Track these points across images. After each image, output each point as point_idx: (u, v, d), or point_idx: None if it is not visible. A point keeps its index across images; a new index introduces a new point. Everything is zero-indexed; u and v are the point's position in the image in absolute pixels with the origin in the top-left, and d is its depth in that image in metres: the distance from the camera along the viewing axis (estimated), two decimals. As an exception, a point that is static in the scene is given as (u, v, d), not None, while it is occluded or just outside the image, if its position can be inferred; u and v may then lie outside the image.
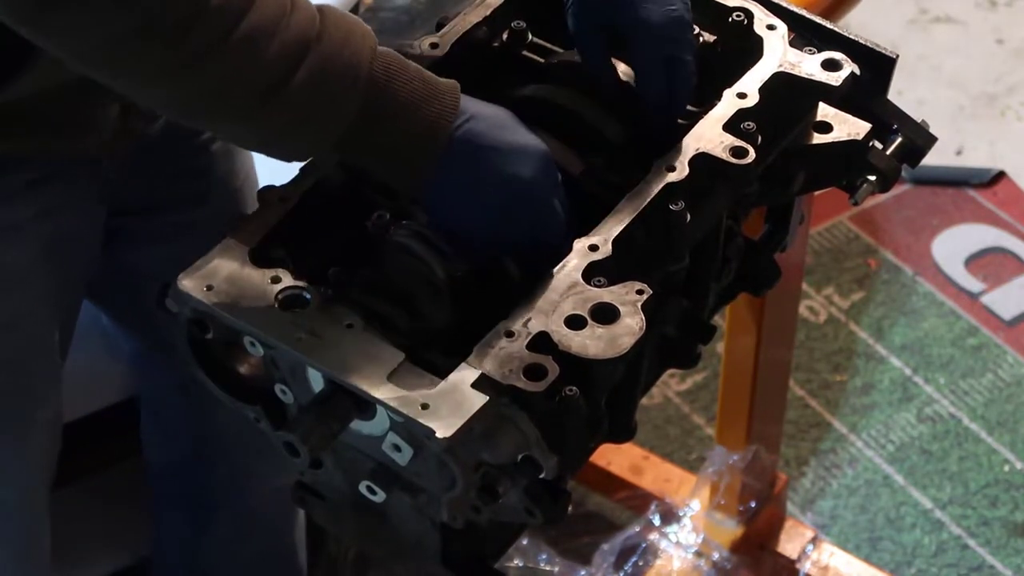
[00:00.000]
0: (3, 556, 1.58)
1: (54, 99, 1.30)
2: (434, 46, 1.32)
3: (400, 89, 1.14)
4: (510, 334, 1.13)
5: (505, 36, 1.36)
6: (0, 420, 1.48)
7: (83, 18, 1.05)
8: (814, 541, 2.29)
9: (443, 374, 1.12)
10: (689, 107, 1.32)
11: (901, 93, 2.95)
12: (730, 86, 1.30)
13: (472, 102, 1.18)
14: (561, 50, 1.35)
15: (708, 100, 1.31)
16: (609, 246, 1.19)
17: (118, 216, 1.51)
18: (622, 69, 1.32)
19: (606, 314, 1.14)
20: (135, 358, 1.75)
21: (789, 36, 1.34)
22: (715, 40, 1.35)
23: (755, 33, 1.34)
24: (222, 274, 1.17)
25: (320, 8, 1.13)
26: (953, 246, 2.84)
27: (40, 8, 1.05)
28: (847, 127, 1.32)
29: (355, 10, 2.01)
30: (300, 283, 1.16)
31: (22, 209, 1.37)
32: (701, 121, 1.27)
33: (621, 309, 1.14)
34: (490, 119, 1.18)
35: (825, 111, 1.33)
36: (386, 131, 1.15)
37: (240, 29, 1.07)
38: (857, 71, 1.32)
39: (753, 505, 2.25)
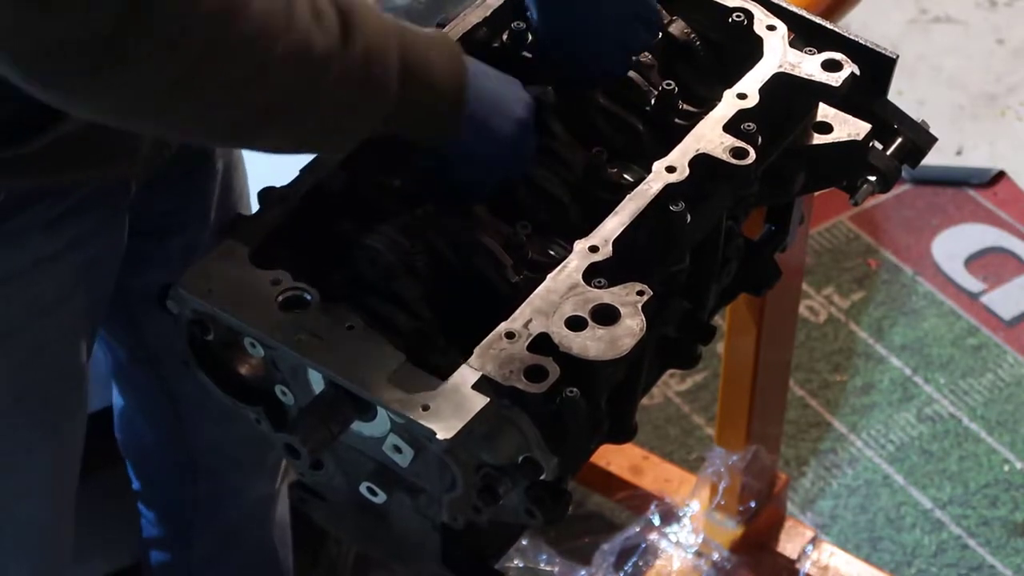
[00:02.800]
0: (25, 568, 1.59)
1: (95, 133, 1.31)
2: (434, 47, 1.32)
3: (420, 46, 1.18)
4: (511, 335, 1.13)
5: (505, 37, 1.36)
6: (30, 441, 1.50)
7: (138, 71, 1.04)
8: (814, 541, 2.29)
9: (444, 375, 1.12)
10: (689, 107, 1.32)
11: (901, 93, 2.95)
12: (730, 87, 1.30)
13: None
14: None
15: (708, 101, 1.31)
16: (609, 247, 1.19)
17: (132, 238, 1.51)
18: None
19: (607, 315, 1.14)
20: (118, 371, 1.75)
21: (789, 36, 1.34)
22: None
23: (755, 33, 1.34)
24: (223, 275, 1.17)
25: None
26: (953, 246, 2.84)
27: (93, 70, 1.03)
28: (847, 127, 1.32)
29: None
30: (300, 284, 1.16)
31: (58, 238, 1.38)
32: (701, 122, 1.27)
33: (622, 310, 1.14)
34: (477, 62, 1.24)
35: (825, 111, 1.33)
36: (424, 86, 1.18)
37: (281, 50, 1.08)
38: (857, 71, 1.32)
39: (753, 505, 2.25)
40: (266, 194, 1.24)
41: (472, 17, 1.34)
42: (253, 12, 1.06)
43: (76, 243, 1.40)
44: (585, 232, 1.20)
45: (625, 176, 1.28)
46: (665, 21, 1.37)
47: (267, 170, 1.31)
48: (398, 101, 1.16)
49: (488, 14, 1.35)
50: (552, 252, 1.23)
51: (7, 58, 1.03)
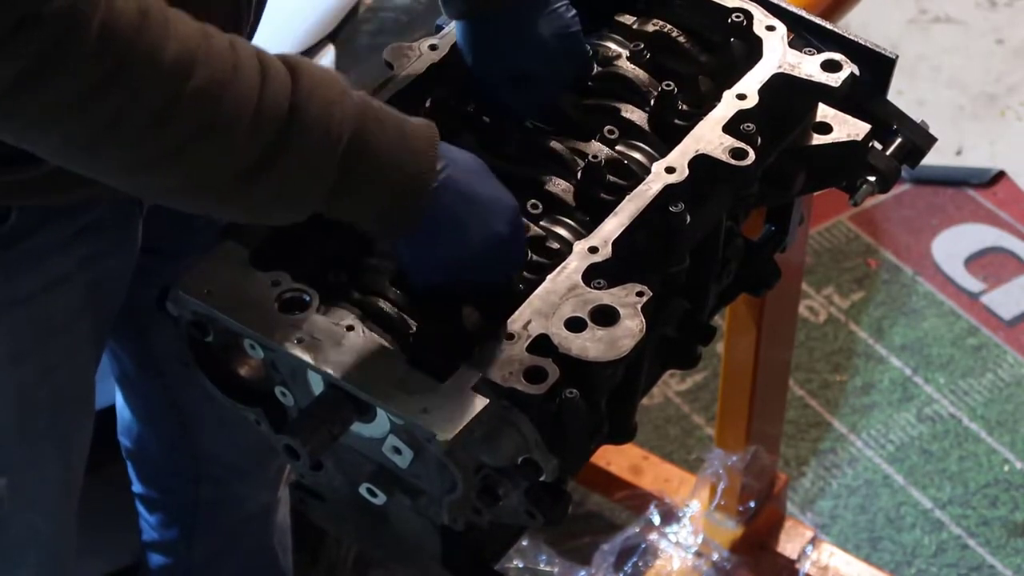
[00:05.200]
0: (31, 574, 1.59)
1: None
2: (433, 48, 1.32)
3: (379, 147, 1.11)
4: (510, 336, 1.13)
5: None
6: (38, 455, 1.50)
7: (52, 107, 1.02)
8: (814, 541, 2.29)
9: (444, 377, 1.12)
10: (687, 107, 1.32)
11: (901, 93, 2.95)
12: (730, 87, 1.30)
13: (446, 148, 1.16)
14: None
15: (707, 101, 1.31)
16: (609, 248, 1.19)
17: (143, 255, 1.51)
18: None
19: (606, 316, 1.14)
20: (123, 378, 1.75)
21: (789, 37, 1.34)
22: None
23: (755, 34, 1.34)
24: (222, 277, 1.17)
25: (293, 67, 1.09)
26: (953, 246, 2.83)
27: (11, 92, 1.00)
28: (847, 128, 1.32)
29: (355, 11, 2.01)
30: (300, 285, 1.16)
31: (71, 257, 1.38)
32: (701, 122, 1.27)
33: (621, 311, 1.14)
34: (465, 166, 1.17)
35: (825, 112, 1.33)
36: (368, 191, 1.12)
37: (216, 113, 1.05)
38: (857, 72, 1.32)
39: (753, 505, 2.25)
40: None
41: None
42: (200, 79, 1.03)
43: (88, 262, 1.40)
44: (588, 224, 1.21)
45: (633, 155, 1.28)
46: (630, 22, 1.37)
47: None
48: (337, 188, 1.11)
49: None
50: (555, 246, 1.23)
51: None
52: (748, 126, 1.26)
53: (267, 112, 1.07)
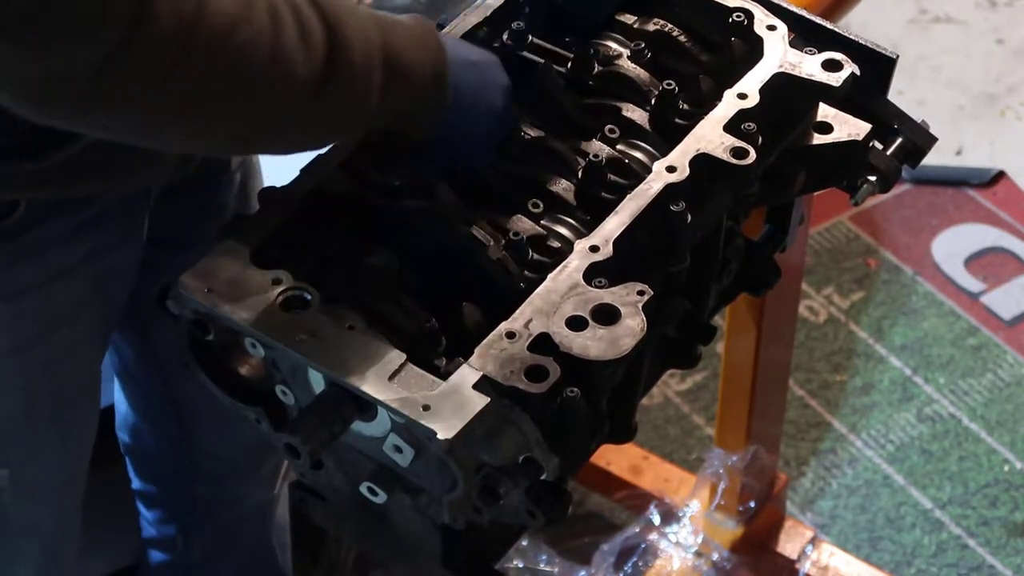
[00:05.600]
0: (31, 570, 1.59)
1: (118, 145, 1.31)
2: (435, 47, 1.32)
3: (401, 44, 1.19)
4: (511, 335, 1.13)
5: (505, 37, 1.36)
6: (41, 449, 1.51)
7: (143, 83, 1.04)
8: (814, 541, 2.29)
9: (444, 375, 1.12)
10: (688, 107, 1.32)
11: (901, 93, 2.95)
12: (731, 86, 1.30)
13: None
14: (561, 50, 1.36)
15: (708, 100, 1.32)
16: (610, 247, 1.19)
17: (149, 247, 1.52)
18: None
19: (607, 315, 1.14)
20: (123, 372, 1.76)
21: (789, 36, 1.34)
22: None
23: (755, 33, 1.34)
24: (223, 275, 1.17)
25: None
26: (953, 246, 2.84)
27: (97, 78, 1.02)
28: (847, 128, 1.32)
29: (355, 11, 2.01)
30: (301, 284, 1.16)
31: (75, 250, 1.39)
32: (702, 122, 1.27)
33: (622, 310, 1.14)
34: (451, 40, 1.28)
35: (825, 111, 1.33)
36: (406, 88, 1.19)
37: (272, 55, 1.09)
38: (857, 71, 1.32)
39: (753, 505, 2.25)
40: (267, 194, 1.24)
41: (472, 17, 1.34)
42: (238, 40, 1.06)
43: (93, 255, 1.40)
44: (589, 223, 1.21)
45: (634, 154, 1.28)
46: (632, 22, 1.37)
47: (273, 170, 1.31)
48: (378, 109, 1.18)
49: (488, 14, 1.35)
50: (556, 245, 1.23)
51: (5, 88, 1.04)
52: (749, 125, 1.26)
53: (317, 47, 1.12)
